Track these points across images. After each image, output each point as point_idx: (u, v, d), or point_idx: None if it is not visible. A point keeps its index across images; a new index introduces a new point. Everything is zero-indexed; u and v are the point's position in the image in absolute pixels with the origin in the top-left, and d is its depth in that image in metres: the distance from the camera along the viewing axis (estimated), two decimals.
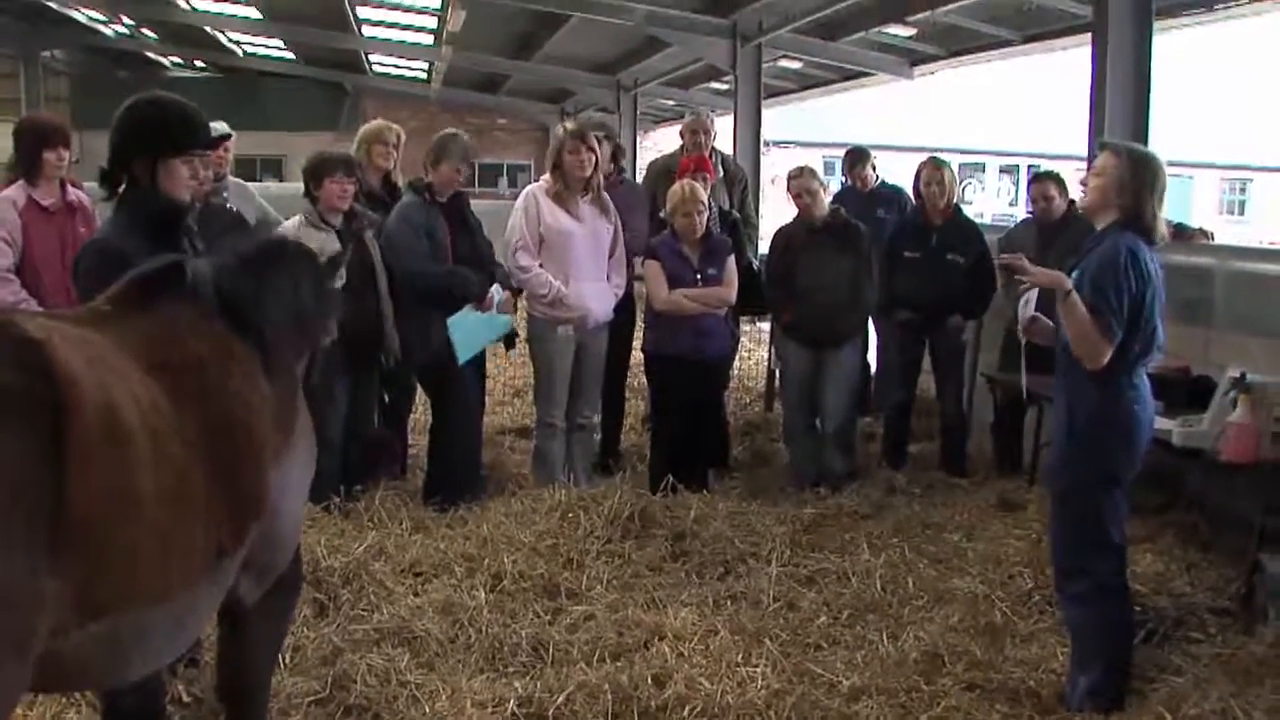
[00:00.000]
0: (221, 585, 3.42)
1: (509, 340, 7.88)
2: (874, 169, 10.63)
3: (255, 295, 3.67)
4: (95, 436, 2.81)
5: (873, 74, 18.82)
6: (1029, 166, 36.66)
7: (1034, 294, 5.32)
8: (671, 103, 27.33)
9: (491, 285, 7.48)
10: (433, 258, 7.35)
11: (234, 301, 3.57)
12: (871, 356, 9.86)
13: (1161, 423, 5.78)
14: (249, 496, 3.38)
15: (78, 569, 2.77)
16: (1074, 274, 4.81)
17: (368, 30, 24.74)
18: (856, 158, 10.71)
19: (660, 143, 28.03)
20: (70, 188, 6.86)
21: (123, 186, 4.42)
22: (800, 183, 8.13)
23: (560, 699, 4.76)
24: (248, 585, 3.63)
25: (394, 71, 31.15)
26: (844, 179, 10.92)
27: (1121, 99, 8.76)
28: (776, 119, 25.57)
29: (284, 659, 5.08)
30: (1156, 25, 9.04)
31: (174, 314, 3.43)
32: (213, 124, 4.75)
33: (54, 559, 2.71)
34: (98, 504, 2.80)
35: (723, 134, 10.04)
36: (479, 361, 7.81)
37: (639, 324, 8.64)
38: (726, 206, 8.83)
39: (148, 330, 3.31)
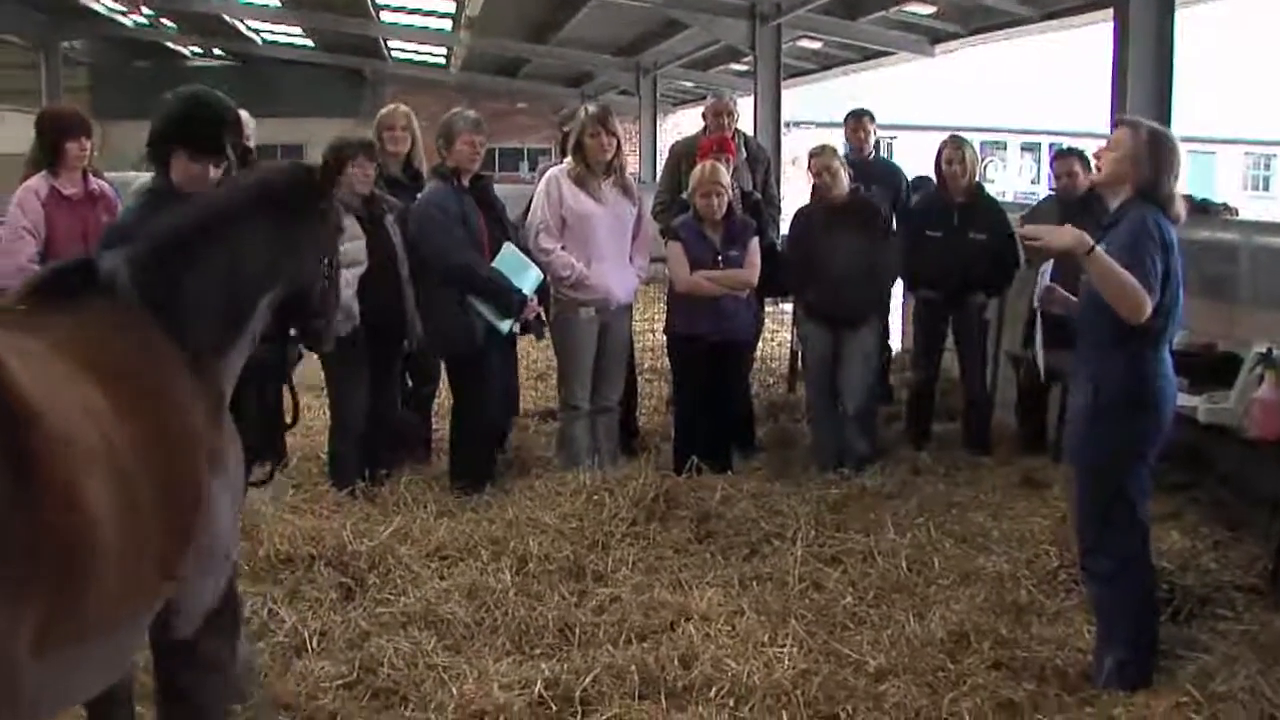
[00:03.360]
0: (153, 613, 3.17)
1: (539, 329, 7.82)
2: (873, 132, 10.29)
3: (174, 288, 3.37)
4: (57, 452, 2.63)
5: (893, 53, 18.76)
6: (1051, 144, 36.45)
7: (1049, 265, 5.31)
8: (691, 84, 27.31)
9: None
10: (471, 243, 7.27)
11: (152, 298, 3.30)
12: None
13: (1187, 399, 5.76)
14: (188, 511, 3.15)
15: (42, 595, 2.59)
16: (1101, 247, 4.77)
17: (386, 16, 24.80)
18: (859, 115, 10.18)
19: (680, 124, 28.01)
20: (92, 177, 6.89)
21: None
22: (821, 161, 8.07)
23: (587, 680, 4.77)
24: (180, 617, 3.32)
25: (413, 57, 31.19)
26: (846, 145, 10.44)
27: (1143, 75, 8.73)
28: (797, 99, 25.50)
29: (311, 643, 5.13)
30: (1178, 0, 8.98)
31: (96, 315, 3.19)
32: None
33: (20, 585, 2.55)
34: (63, 525, 2.62)
35: (743, 115, 9.97)
36: (511, 344, 7.76)
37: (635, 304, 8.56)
38: (749, 188, 8.79)
39: (75, 333, 3.07)
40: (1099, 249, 4.62)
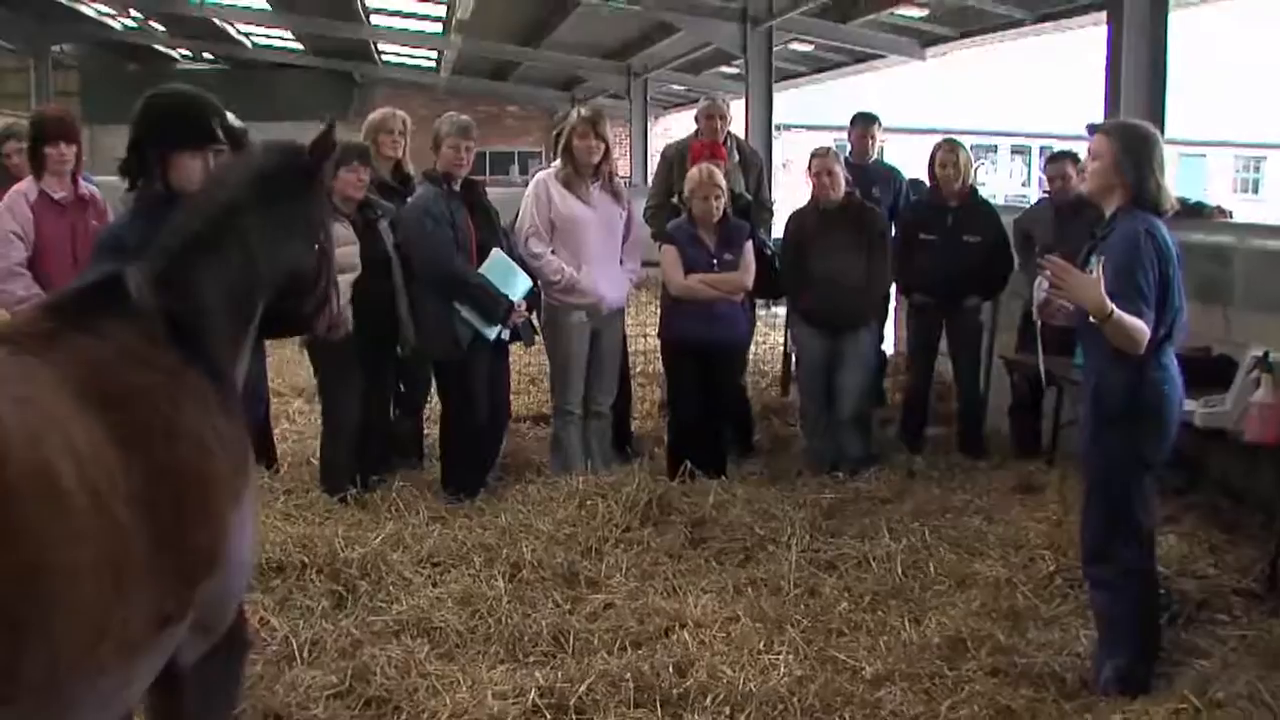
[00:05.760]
0: (164, 653, 2.93)
1: (528, 336, 7.75)
2: (879, 138, 10.15)
3: (197, 307, 3.18)
4: (23, 501, 2.38)
5: (884, 56, 18.70)
6: (1041, 147, 36.49)
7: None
8: (682, 88, 27.26)
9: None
10: (458, 248, 7.22)
11: (179, 319, 3.11)
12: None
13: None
14: (200, 555, 2.92)
15: None
16: (1092, 259, 4.76)
17: (376, 19, 24.71)
18: (868, 120, 10.12)
19: (671, 128, 27.94)
20: (82, 181, 6.85)
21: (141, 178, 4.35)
22: (822, 163, 8.04)
23: (581, 689, 4.74)
24: (190, 645, 3.09)
25: (403, 61, 31.11)
26: (848, 150, 10.35)
27: (1137, 78, 8.68)
28: (788, 102, 25.45)
29: (302, 652, 5.09)
30: (1172, 2, 8.95)
31: (118, 337, 2.95)
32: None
33: None
34: (22, 584, 2.37)
35: (734, 118, 9.93)
36: (503, 350, 7.70)
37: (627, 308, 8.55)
38: (740, 191, 8.74)
39: (90, 357, 2.84)
40: (1118, 314, 4.56)
